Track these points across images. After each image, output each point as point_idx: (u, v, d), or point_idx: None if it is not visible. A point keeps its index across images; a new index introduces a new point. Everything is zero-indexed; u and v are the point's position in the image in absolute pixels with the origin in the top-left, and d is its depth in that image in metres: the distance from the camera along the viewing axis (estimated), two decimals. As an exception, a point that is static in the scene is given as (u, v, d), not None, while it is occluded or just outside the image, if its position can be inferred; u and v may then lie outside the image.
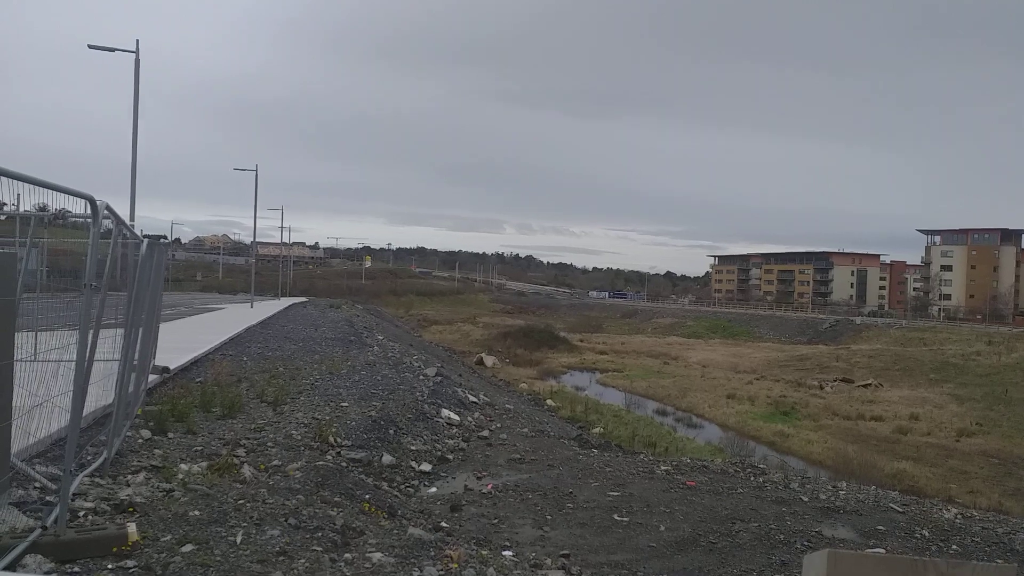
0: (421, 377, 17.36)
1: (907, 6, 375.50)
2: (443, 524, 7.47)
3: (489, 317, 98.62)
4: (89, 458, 6.91)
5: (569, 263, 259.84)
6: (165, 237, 9.23)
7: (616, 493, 9.33)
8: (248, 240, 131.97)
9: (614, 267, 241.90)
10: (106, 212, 5.14)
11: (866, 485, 13.07)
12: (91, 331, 5.16)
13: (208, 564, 4.79)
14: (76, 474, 5.85)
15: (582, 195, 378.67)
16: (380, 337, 28.89)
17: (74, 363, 5.00)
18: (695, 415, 37.27)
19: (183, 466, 7.28)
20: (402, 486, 9.12)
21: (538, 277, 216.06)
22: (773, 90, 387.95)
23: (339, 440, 9.78)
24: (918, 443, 32.04)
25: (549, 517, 8.17)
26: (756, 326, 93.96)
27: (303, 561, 5.09)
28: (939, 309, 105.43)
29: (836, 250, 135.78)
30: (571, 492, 9.24)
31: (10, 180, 4.09)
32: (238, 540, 5.27)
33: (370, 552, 5.65)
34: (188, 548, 5.00)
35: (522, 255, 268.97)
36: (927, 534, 8.46)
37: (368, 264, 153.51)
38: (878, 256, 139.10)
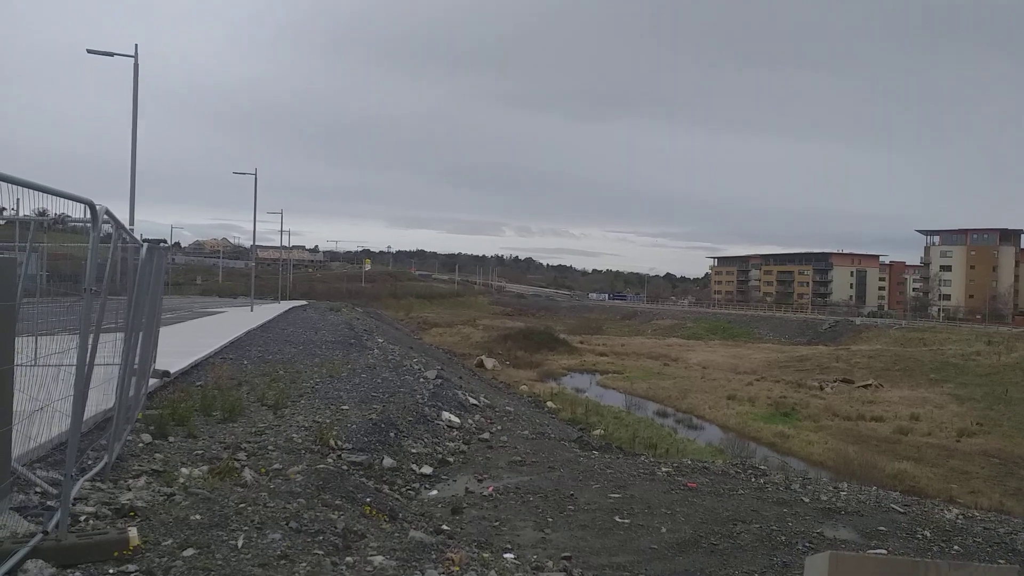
0: (421, 380, 17.36)
1: (906, 7, 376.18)
2: (444, 527, 7.47)
3: (489, 319, 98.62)
4: (90, 462, 6.91)
5: (569, 265, 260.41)
6: (165, 241, 9.23)
7: (617, 495, 9.32)
8: (248, 244, 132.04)
9: (614, 269, 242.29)
10: (106, 216, 5.15)
11: (867, 486, 13.07)
12: (91, 335, 5.16)
13: (209, 568, 4.79)
14: (77, 479, 5.85)
15: (581, 197, 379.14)
16: (380, 340, 28.89)
17: (74, 367, 5.00)
18: (695, 416, 37.26)
19: (184, 470, 7.28)
20: (403, 489, 9.11)
21: (538, 279, 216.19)
22: (772, 91, 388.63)
23: (340, 443, 9.77)
24: (919, 443, 32.02)
25: (550, 519, 8.17)
26: (756, 327, 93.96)
27: (304, 565, 5.09)
28: (939, 309, 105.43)
29: (835, 251, 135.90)
30: (572, 494, 9.23)
31: (10, 185, 4.09)
32: (239, 544, 5.26)
33: (371, 555, 5.64)
34: (189, 552, 5.00)
35: (521, 257, 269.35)
36: (928, 535, 8.45)
37: (368, 267, 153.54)
38: (877, 257, 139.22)
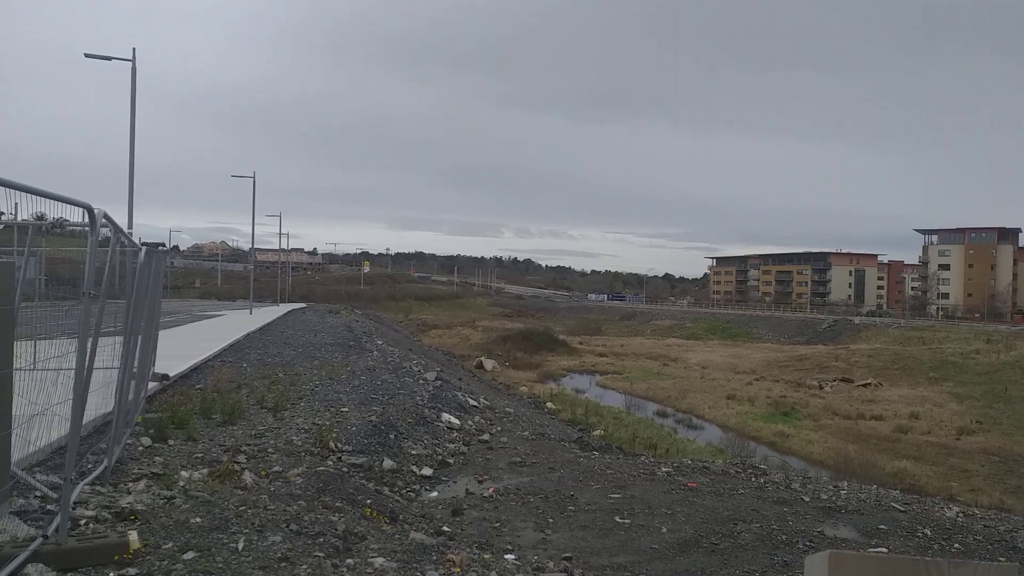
0: (421, 381, 17.36)
1: (905, 8, 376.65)
2: (445, 528, 7.47)
3: (488, 321, 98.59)
4: (90, 466, 6.90)
5: (568, 266, 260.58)
6: (163, 244, 9.23)
7: (617, 495, 9.32)
8: (246, 246, 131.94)
9: (612, 270, 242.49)
10: (104, 220, 5.15)
11: (867, 484, 13.06)
12: (90, 339, 5.16)
13: (210, 571, 4.79)
14: (77, 482, 5.84)
15: (580, 198, 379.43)
16: (379, 342, 28.88)
17: (73, 371, 5.00)
18: (695, 416, 37.25)
19: (184, 473, 7.27)
20: (403, 491, 9.11)
21: (537, 280, 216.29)
22: (771, 91, 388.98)
23: (340, 445, 9.77)
24: (918, 442, 32.04)
25: (551, 520, 8.17)
26: (755, 327, 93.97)
27: (305, 567, 5.08)
28: (937, 308, 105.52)
29: (834, 250, 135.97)
30: (572, 495, 9.23)
31: (8, 189, 4.09)
32: (240, 547, 5.26)
33: (372, 557, 5.64)
34: (190, 555, 4.99)
35: (520, 259, 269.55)
36: (929, 533, 8.46)
37: (366, 269, 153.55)
38: (876, 256, 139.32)
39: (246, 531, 5.60)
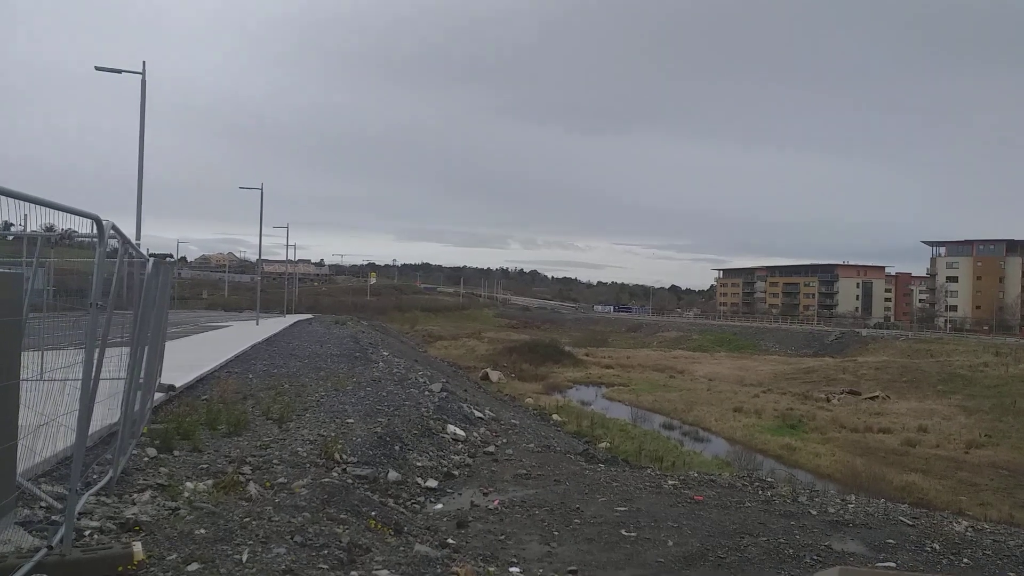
0: (426, 393, 17.34)
1: (910, 18, 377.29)
2: (450, 541, 7.44)
3: (494, 332, 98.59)
4: (95, 477, 6.91)
5: (574, 277, 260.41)
6: (171, 255, 9.28)
7: (623, 508, 9.27)
8: (253, 258, 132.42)
9: (619, 281, 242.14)
10: (112, 232, 5.18)
11: (875, 498, 12.96)
12: (97, 350, 5.18)
13: (214, 583, 4.78)
14: (82, 493, 5.84)
15: (586, 210, 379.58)
16: (385, 353, 28.89)
17: (80, 382, 5.01)
18: (702, 429, 37.08)
19: (189, 484, 7.28)
20: (408, 503, 9.08)
21: (543, 292, 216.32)
22: (777, 103, 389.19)
23: (345, 457, 9.76)
24: (927, 455, 31.82)
25: (556, 533, 8.13)
26: (762, 339, 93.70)
27: (309, 579, 5.07)
28: (945, 320, 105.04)
29: (841, 262, 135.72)
30: (578, 507, 9.19)
31: (17, 201, 4.13)
32: (244, 558, 5.25)
33: (376, 570, 5.62)
34: (194, 567, 4.99)
35: (527, 270, 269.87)
36: (938, 547, 8.38)
37: (373, 280, 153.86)
38: (883, 268, 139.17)
39: (250, 543, 5.59)
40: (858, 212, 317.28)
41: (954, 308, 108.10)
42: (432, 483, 10.13)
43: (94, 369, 5.11)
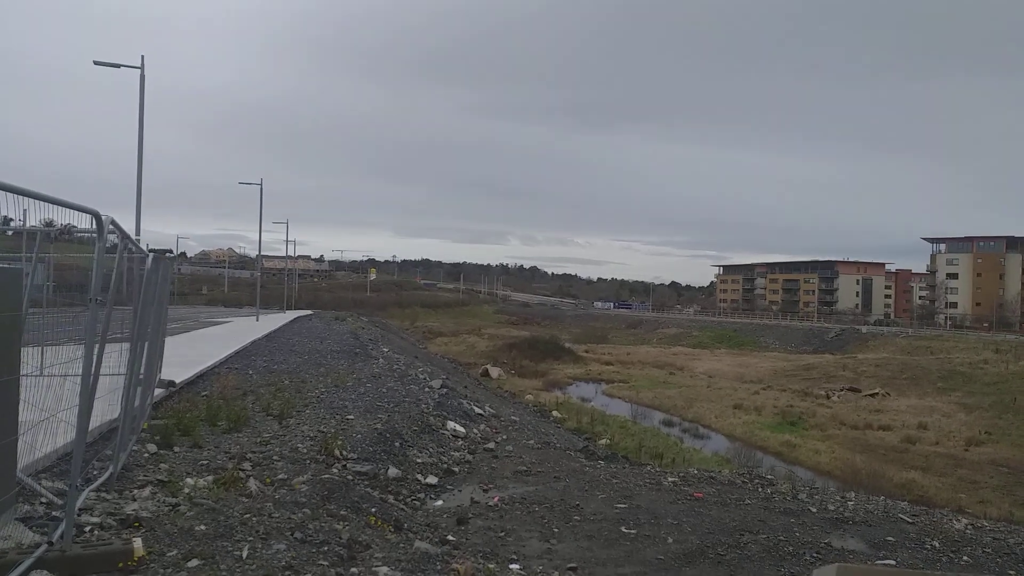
0: (426, 389, 17.34)
1: (911, 17, 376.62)
2: (449, 537, 7.44)
3: (494, 328, 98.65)
4: (95, 473, 6.91)
5: (573, 274, 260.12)
6: (171, 251, 9.28)
7: (623, 505, 9.28)
8: (253, 253, 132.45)
9: (619, 278, 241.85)
10: (111, 227, 5.17)
11: (875, 495, 12.97)
12: (97, 345, 5.17)
13: (214, 579, 4.78)
14: (82, 489, 5.85)
15: (586, 206, 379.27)
16: (385, 349, 28.89)
17: (80, 378, 5.01)
18: (702, 425, 37.13)
19: (189, 480, 7.28)
20: (408, 499, 9.09)
21: (543, 288, 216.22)
22: (777, 99, 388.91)
23: (345, 453, 9.76)
24: (927, 452, 31.84)
25: (556, 530, 8.13)
26: (762, 336, 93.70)
27: (309, 575, 5.07)
28: (945, 317, 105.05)
29: (841, 259, 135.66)
30: (578, 504, 9.19)
31: (17, 196, 4.12)
32: (244, 555, 5.25)
33: (376, 566, 5.62)
34: (194, 563, 4.99)
35: (526, 266, 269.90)
36: (937, 545, 8.38)
37: (373, 276, 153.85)
38: (883, 265, 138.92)
39: (250, 539, 5.59)
40: (858, 209, 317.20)
41: (954, 305, 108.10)
42: (432, 480, 10.13)
43: (94, 365, 5.11)
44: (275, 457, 8.98)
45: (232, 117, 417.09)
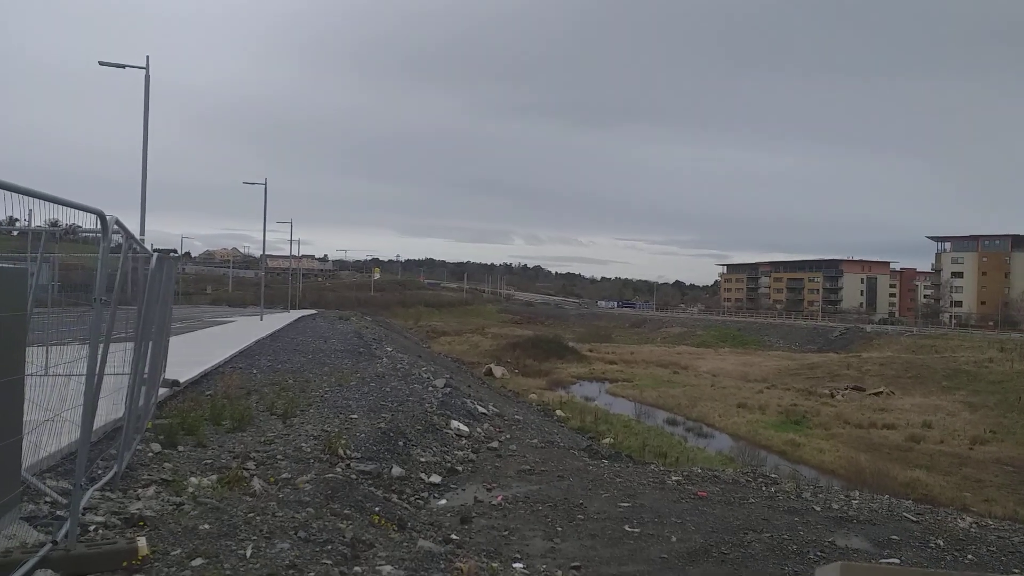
0: (430, 388, 17.35)
1: (914, 13, 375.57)
2: (453, 536, 7.44)
3: (498, 328, 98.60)
4: (99, 472, 6.93)
5: (577, 273, 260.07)
6: (175, 251, 9.30)
7: (627, 504, 9.28)
8: (258, 253, 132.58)
9: (622, 277, 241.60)
10: (116, 227, 5.18)
11: (879, 494, 12.95)
12: (101, 345, 5.18)
13: (218, 578, 4.79)
14: (86, 488, 5.86)
15: (589, 205, 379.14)
16: (389, 349, 28.92)
17: (84, 377, 5.02)
18: (706, 425, 37.08)
19: (193, 479, 7.29)
20: (412, 498, 9.09)
21: (546, 287, 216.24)
22: (780, 98, 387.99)
23: (349, 452, 9.77)
24: (931, 451, 31.75)
25: (560, 529, 8.13)
26: (766, 335, 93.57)
27: (313, 574, 5.08)
28: (950, 316, 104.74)
29: (845, 257, 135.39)
30: (581, 503, 9.20)
31: (22, 196, 4.13)
32: (248, 554, 5.26)
33: (380, 565, 5.63)
34: (198, 562, 5.00)
35: (530, 266, 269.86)
36: (942, 544, 8.37)
37: (377, 276, 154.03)
38: (888, 263, 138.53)
39: (254, 538, 5.60)
40: (863, 207, 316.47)
41: (959, 304, 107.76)
42: (436, 479, 10.14)
43: (98, 364, 5.12)
44: (279, 456, 8.99)
45: (239, 118, 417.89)
